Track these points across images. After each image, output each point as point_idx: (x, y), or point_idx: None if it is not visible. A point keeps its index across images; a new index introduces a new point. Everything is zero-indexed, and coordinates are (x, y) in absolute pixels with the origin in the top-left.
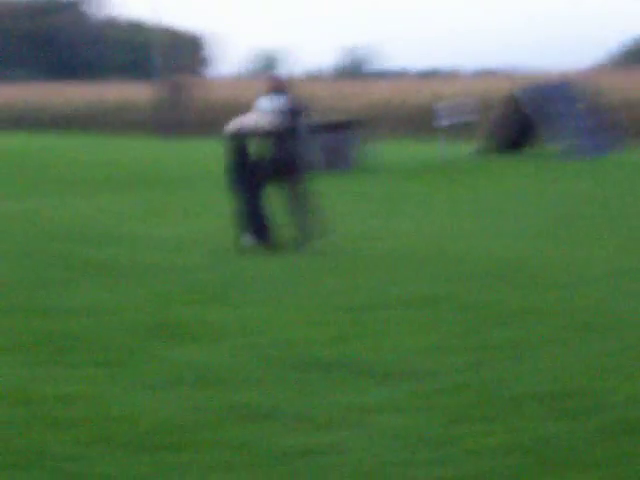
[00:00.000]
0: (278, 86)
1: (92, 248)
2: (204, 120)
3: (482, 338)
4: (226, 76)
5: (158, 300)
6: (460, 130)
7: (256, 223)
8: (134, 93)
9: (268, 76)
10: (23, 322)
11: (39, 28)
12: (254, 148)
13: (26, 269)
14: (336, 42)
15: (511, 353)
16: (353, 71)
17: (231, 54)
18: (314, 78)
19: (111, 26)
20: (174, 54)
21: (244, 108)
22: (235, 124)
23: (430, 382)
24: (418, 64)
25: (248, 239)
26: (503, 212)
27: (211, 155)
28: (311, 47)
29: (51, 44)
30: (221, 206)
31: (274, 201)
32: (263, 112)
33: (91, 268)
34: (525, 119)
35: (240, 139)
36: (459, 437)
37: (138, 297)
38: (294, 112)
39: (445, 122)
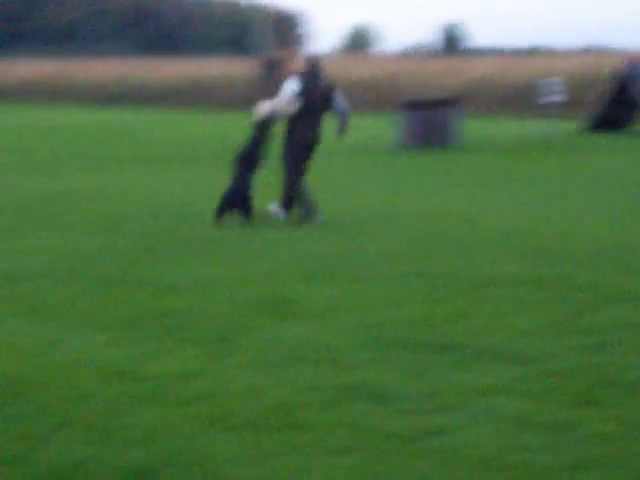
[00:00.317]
0: (311, 66)
1: (199, 223)
2: None
3: (596, 320)
4: (325, 51)
5: (268, 276)
6: (559, 108)
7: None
8: (231, 69)
9: (301, 56)
10: (134, 298)
11: (139, 4)
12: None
13: (134, 245)
14: (426, 19)
15: (627, 336)
16: (448, 48)
17: (325, 31)
18: (410, 55)
19: (209, 4)
20: (270, 32)
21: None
22: (263, 110)
23: (544, 365)
24: (513, 42)
25: (279, 211)
26: (605, 192)
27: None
28: (402, 24)
29: (151, 20)
30: (323, 184)
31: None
32: (289, 95)
33: (199, 244)
34: (629, 97)
35: (267, 125)
36: (575, 423)
37: (248, 273)
38: (325, 92)
39: (549, 99)
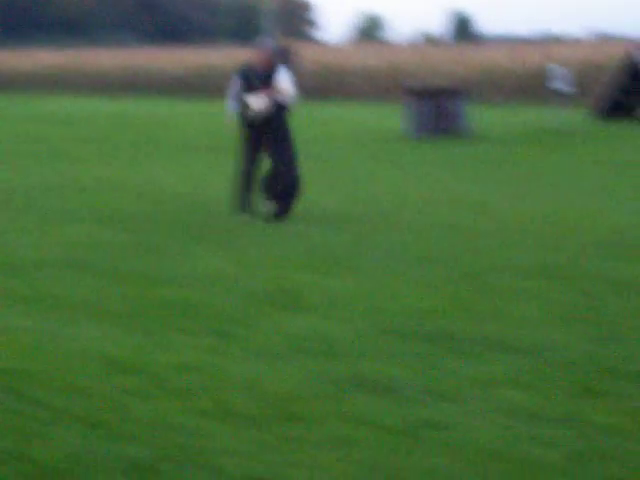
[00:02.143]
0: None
1: (207, 216)
2: (315, 84)
3: (605, 310)
4: (333, 40)
5: (272, 267)
6: (569, 97)
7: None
8: (243, 58)
9: (271, 46)
10: (138, 289)
11: None
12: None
13: (140, 236)
14: (433, 7)
15: (635, 326)
16: (458, 36)
17: (337, 18)
18: (429, 41)
19: None
20: (282, 18)
21: (350, 71)
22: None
23: (550, 355)
24: (523, 29)
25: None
26: (618, 181)
27: (323, 119)
28: (408, 12)
29: (160, 9)
30: (330, 171)
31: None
32: (287, 84)
33: (206, 235)
34: None
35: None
36: (580, 414)
37: (251, 264)
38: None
39: (558, 85)
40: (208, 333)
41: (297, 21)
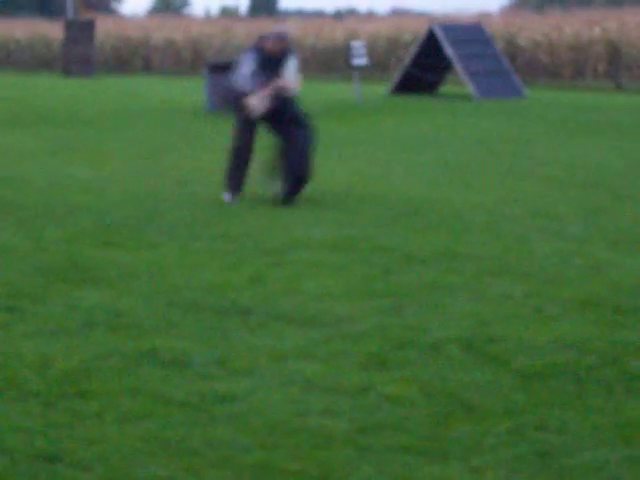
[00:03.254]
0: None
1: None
2: (114, 57)
3: (400, 281)
4: (137, 13)
5: (69, 242)
6: (365, 71)
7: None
8: (44, 30)
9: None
10: None
11: None
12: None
13: None
14: None
15: (430, 297)
16: (255, 11)
17: None
18: (227, 15)
19: None
20: None
21: (154, 45)
22: (258, 106)
23: (348, 327)
24: (332, 4)
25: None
26: (415, 154)
27: (120, 93)
28: None
29: None
30: (133, 147)
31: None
32: (293, 78)
33: None
34: (440, 60)
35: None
36: (368, 385)
37: (47, 238)
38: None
39: (359, 61)
40: None
41: None
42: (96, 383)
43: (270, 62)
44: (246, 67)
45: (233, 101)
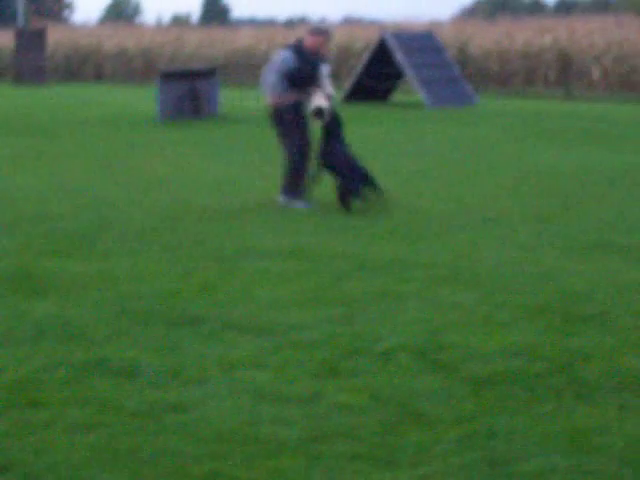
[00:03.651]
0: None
1: None
2: (65, 66)
3: (352, 289)
4: (88, 22)
5: (18, 252)
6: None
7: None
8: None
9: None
10: None
11: None
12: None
13: None
14: None
15: (382, 305)
16: (208, 19)
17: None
18: (179, 24)
19: None
20: (26, 1)
21: (105, 53)
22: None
23: (299, 335)
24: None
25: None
26: (366, 162)
27: (71, 102)
28: None
29: None
30: (84, 156)
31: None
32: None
33: None
34: (391, 68)
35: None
36: (320, 394)
37: None
38: None
39: None
40: None
41: (50, 2)
42: (46, 393)
43: (307, 61)
44: (279, 68)
45: (315, 113)
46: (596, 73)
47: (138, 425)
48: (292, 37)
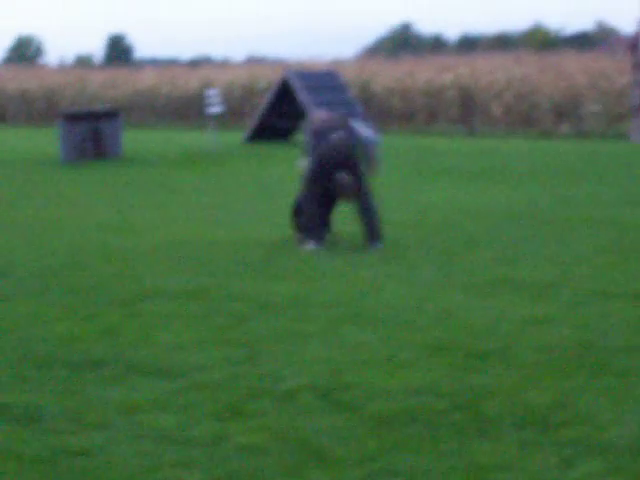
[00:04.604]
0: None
1: None
2: None
3: (254, 330)
4: None
5: None
6: (220, 119)
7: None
8: None
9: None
10: None
11: None
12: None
13: None
14: (89, 29)
15: (285, 345)
16: (112, 59)
17: None
18: (82, 64)
19: None
20: None
21: (7, 95)
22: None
23: (201, 377)
24: (187, 53)
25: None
26: (266, 201)
27: None
28: (65, 33)
29: None
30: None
31: None
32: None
33: None
34: (294, 107)
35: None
36: (223, 435)
37: None
38: None
39: (214, 109)
40: None
41: None
42: None
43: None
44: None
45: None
46: (497, 110)
47: (39, 471)
48: (195, 77)
